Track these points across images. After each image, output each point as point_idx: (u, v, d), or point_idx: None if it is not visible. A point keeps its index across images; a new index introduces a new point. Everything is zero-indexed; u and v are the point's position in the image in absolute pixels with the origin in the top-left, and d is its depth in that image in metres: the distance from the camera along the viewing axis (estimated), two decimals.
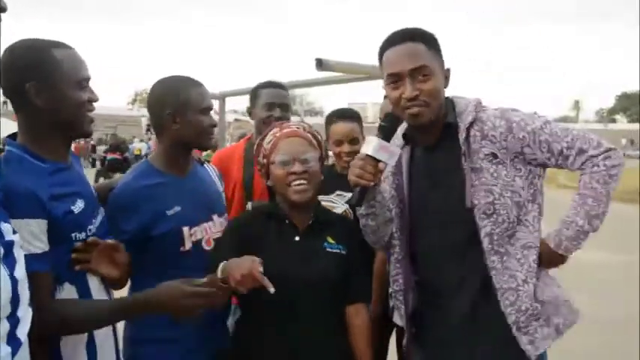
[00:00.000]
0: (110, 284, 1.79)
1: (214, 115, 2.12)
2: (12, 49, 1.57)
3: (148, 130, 32.37)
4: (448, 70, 1.77)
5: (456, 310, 1.78)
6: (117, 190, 1.92)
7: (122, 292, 1.97)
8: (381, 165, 1.67)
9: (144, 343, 1.90)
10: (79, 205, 1.62)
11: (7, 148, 1.62)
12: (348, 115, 2.68)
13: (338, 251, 1.86)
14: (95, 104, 1.69)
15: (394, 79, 1.72)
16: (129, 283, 1.96)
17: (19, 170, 1.53)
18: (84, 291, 1.64)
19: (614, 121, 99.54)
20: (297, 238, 1.86)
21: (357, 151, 2.40)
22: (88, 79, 1.65)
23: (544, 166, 1.74)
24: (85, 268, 1.62)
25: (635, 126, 69.63)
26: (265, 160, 1.91)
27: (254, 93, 2.75)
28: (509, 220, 1.70)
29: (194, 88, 1.97)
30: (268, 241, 1.83)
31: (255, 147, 1.97)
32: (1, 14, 1.25)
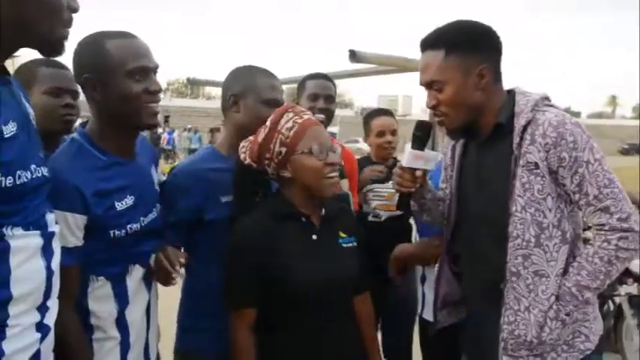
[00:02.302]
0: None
1: None
2: (77, 44, 1.59)
3: (165, 121, 31.76)
4: (484, 67, 1.65)
5: (477, 307, 1.79)
6: (177, 169, 1.93)
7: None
8: (417, 172, 1.79)
9: (197, 332, 1.90)
10: (126, 202, 1.61)
11: (74, 135, 1.65)
12: (386, 111, 3.12)
13: (351, 244, 1.82)
14: None
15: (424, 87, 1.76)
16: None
17: (72, 161, 1.55)
18: (120, 289, 1.63)
19: None
20: (314, 237, 1.74)
21: (397, 142, 2.93)
22: (142, 68, 1.59)
23: (568, 197, 1.62)
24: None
25: None
26: (285, 149, 1.69)
27: (301, 85, 2.75)
28: (522, 238, 1.60)
29: (263, 77, 1.96)
30: (288, 245, 1.69)
31: (264, 134, 1.74)
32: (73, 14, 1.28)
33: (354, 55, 3.64)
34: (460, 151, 1.85)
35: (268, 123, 1.74)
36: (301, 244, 1.72)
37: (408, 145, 1.79)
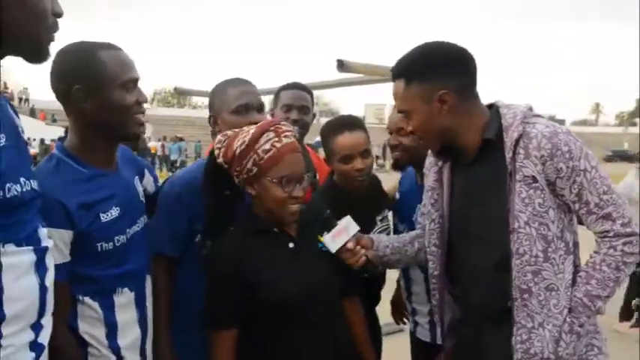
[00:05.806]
0: None
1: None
2: (60, 53, 1.57)
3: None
4: (444, 93, 1.62)
5: (478, 330, 1.75)
6: (174, 178, 1.92)
7: None
8: (349, 245, 1.77)
9: (177, 343, 1.86)
10: (111, 213, 1.59)
11: (53, 150, 1.64)
12: (353, 123, 2.21)
13: None
14: None
15: None
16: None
17: (52, 176, 1.53)
18: (107, 308, 1.60)
19: (634, 124, 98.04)
20: (291, 246, 1.74)
21: (370, 165, 2.19)
22: (134, 80, 1.63)
23: (567, 207, 1.61)
24: None
25: None
26: (256, 169, 1.66)
27: (276, 95, 2.71)
28: (530, 254, 1.57)
29: (230, 88, 1.98)
30: (264, 260, 1.69)
31: (241, 148, 1.68)
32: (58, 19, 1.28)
33: (342, 65, 3.65)
34: (448, 172, 1.82)
35: (248, 138, 1.67)
36: (278, 255, 1.71)
37: (326, 234, 1.77)
